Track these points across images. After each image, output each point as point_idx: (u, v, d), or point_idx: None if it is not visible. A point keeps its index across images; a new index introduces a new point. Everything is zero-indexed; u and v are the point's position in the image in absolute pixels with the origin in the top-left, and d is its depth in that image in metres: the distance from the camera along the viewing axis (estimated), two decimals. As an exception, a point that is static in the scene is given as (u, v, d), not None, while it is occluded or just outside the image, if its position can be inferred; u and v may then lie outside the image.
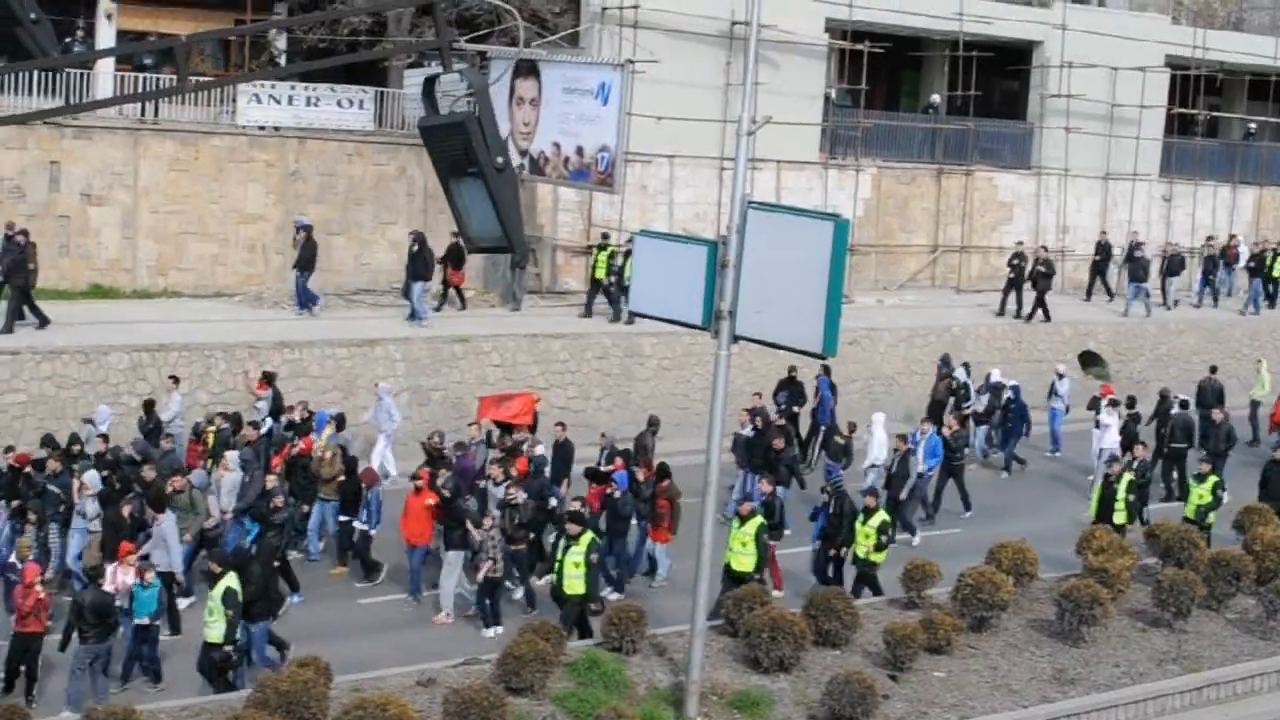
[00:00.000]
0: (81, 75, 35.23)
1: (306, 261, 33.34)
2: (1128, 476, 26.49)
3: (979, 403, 33.84)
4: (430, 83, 10.00)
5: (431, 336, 32.85)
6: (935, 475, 29.20)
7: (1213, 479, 26.80)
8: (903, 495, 27.47)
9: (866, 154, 43.10)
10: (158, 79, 35.44)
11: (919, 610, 22.10)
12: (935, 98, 46.07)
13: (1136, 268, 42.37)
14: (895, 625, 20.79)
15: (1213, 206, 50.07)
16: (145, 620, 20.16)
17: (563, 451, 26.71)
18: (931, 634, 20.82)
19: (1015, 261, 41.04)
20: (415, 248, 33.55)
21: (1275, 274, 46.16)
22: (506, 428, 27.58)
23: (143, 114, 35.27)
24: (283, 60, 40.09)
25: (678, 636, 20.37)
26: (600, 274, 35.57)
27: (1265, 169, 51.81)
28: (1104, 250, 43.62)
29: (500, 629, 22.38)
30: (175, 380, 28.57)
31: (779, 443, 27.73)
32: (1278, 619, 23.10)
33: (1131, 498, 26.32)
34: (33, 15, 10.77)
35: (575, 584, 21.12)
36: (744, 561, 22.25)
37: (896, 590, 23.04)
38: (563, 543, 21.42)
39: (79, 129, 33.88)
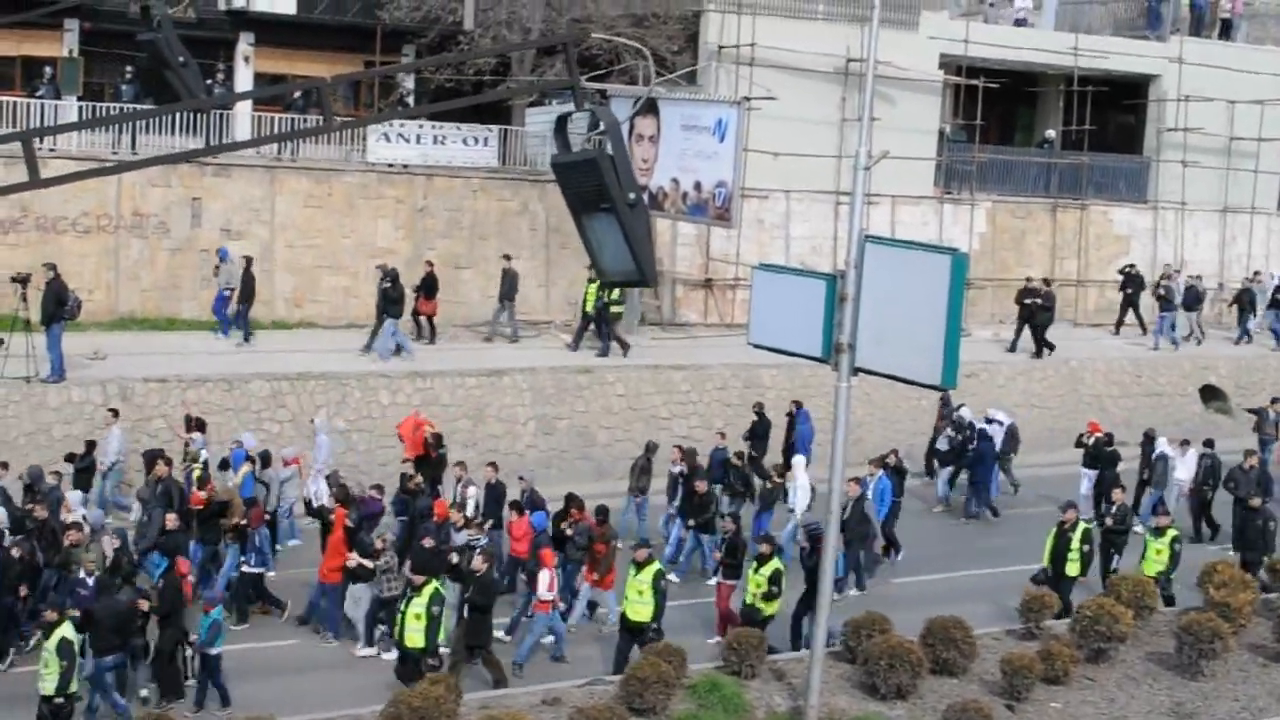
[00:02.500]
0: (222, 116, 36.58)
1: (247, 293, 33.31)
2: (1083, 525, 24.94)
3: (942, 442, 32.53)
4: (562, 120, 10.11)
5: (557, 367, 33.65)
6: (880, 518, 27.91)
7: (1171, 533, 25.11)
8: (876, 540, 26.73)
9: (981, 188, 43.47)
10: (293, 119, 36.65)
11: (1037, 640, 22.07)
12: (1050, 132, 46.29)
13: (1189, 297, 42.21)
14: (1012, 655, 20.73)
15: (1333, 238, 49.81)
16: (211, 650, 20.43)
17: (494, 493, 25.68)
18: (1049, 665, 20.67)
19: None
20: (388, 284, 33.08)
21: None
22: (419, 460, 27.36)
23: (279, 153, 36.49)
24: (411, 100, 41.21)
25: (797, 662, 20.55)
26: (589, 306, 35.02)
27: (1386, 200, 51.36)
28: (1135, 282, 42.60)
29: (373, 650, 22.47)
30: (114, 414, 27.97)
31: (701, 485, 26.57)
32: None
33: (1086, 548, 24.66)
34: (181, 59, 11.52)
35: (415, 637, 20.11)
36: (640, 611, 21.48)
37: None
38: (407, 592, 20.62)
39: (219, 167, 35.14)
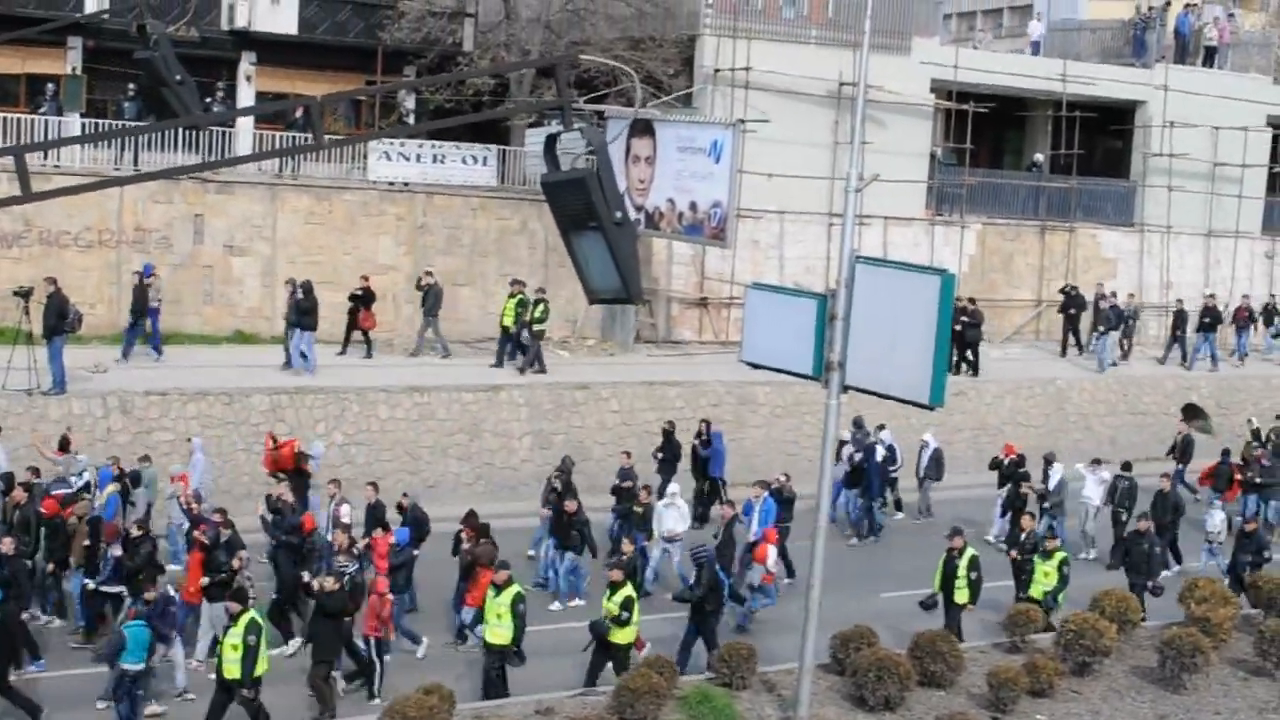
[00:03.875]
0: (223, 134, 37.12)
1: (139, 309, 32.80)
2: (970, 552, 24.02)
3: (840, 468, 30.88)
4: (551, 140, 10.25)
5: (554, 383, 34.11)
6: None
7: (1059, 555, 24.52)
8: (734, 566, 25.26)
9: (971, 211, 44.06)
10: (293, 138, 37.17)
11: (1022, 654, 22.30)
12: (1039, 156, 46.85)
13: (1103, 317, 41.71)
14: (999, 668, 20.91)
15: (1317, 263, 50.47)
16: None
17: (374, 513, 24.92)
18: (1034, 678, 20.80)
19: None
20: (300, 295, 32.62)
21: None
22: (294, 473, 26.60)
23: (280, 170, 37.00)
24: (411, 120, 41.74)
25: (786, 674, 20.67)
26: (509, 322, 34.69)
27: (1370, 227, 52.04)
28: (1076, 303, 42.38)
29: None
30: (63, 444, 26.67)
31: (570, 505, 25.68)
32: None
33: (974, 575, 23.82)
34: (178, 77, 11.89)
35: (232, 668, 19.08)
36: (499, 634, 20.78)
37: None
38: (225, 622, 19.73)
39: (221, 184, 35.66)
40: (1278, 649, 22.61)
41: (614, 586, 21.42)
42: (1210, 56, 49.48)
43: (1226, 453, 33.69)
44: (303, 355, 32.68)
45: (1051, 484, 30.30)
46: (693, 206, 35.81)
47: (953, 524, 26.31)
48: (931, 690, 20.86)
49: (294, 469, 26.70)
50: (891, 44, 40.81)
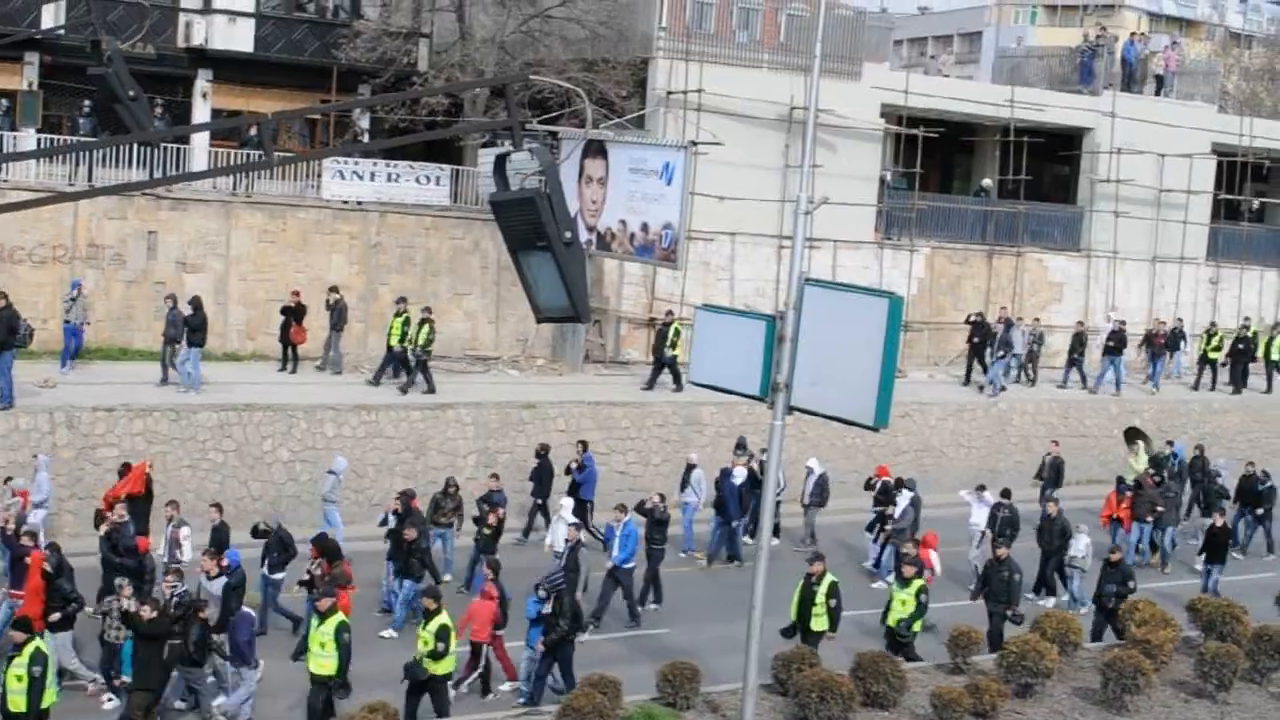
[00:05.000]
0: (178, 151, 37.17)
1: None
2: (830, 579, 23.54)
3: (690, 493, 31.44)
4: (501, 160, 10.32)
5: (501, 402, 34.23)
6: (633, 567, 26.60)
7: (917, 584, 23.90)
8: (580, 590, 24.57)
9: (920, 234, 44.45)
10: (247, 155, 37.24)
11: (965, 675, 22.53)
12: (987, 181, 47.32)
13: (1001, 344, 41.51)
14: (942, 689, 21.06)
15: (1259, 289, 51.09)
16: None
17: (218, 535, 24.45)
18: (977, 699, 20.96)
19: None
20: (190, 311, 32.18)
21: (1273, 355, 45.97)
22: (135, 498, 25.99)
23: (235, 188, 37.03)
24: (365, 139, 41.90)
25: (730, 694, 20.76)
26: (394, 341, 34.35)
27: (1312, 254, 52.84)
28: (981, 330, 41.62)
29: (113, 700, 21.36)
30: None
31: (410, 533, 25.08)
32: None
33: (833, 602, 23.33)
34: (131, 93, 11.94)
35: (17, 700, 18.11)
36: (323, 664, 20.08)
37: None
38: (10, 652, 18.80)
39: (175, 200, 35.68)
40: (1218, 671, 22.87)
41: (428, 615, 20.91)
42: (1159, 84, 50.15)
43: (1121, 481, 33.83)
44: (188, 373, 32.10)
45: (897, 511, 29.98)
46: (644, 227, 36.04)
47: (813, 550, 25.94)
48: (874, 711, 21.02)
49: (144, 491, 26.47)
50: (842, 69, 41.25)
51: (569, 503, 28.29)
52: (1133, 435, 40.04)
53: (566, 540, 25.51)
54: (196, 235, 36.03)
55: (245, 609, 21.82)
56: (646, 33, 40.41)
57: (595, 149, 37.29)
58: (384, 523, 26.19)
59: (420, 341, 34.14)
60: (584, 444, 31.61)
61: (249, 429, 31.23)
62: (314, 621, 20.28)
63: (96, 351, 33.81)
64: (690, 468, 31.68)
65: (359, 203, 37.80)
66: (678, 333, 36.56)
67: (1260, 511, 34.42)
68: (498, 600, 22.65)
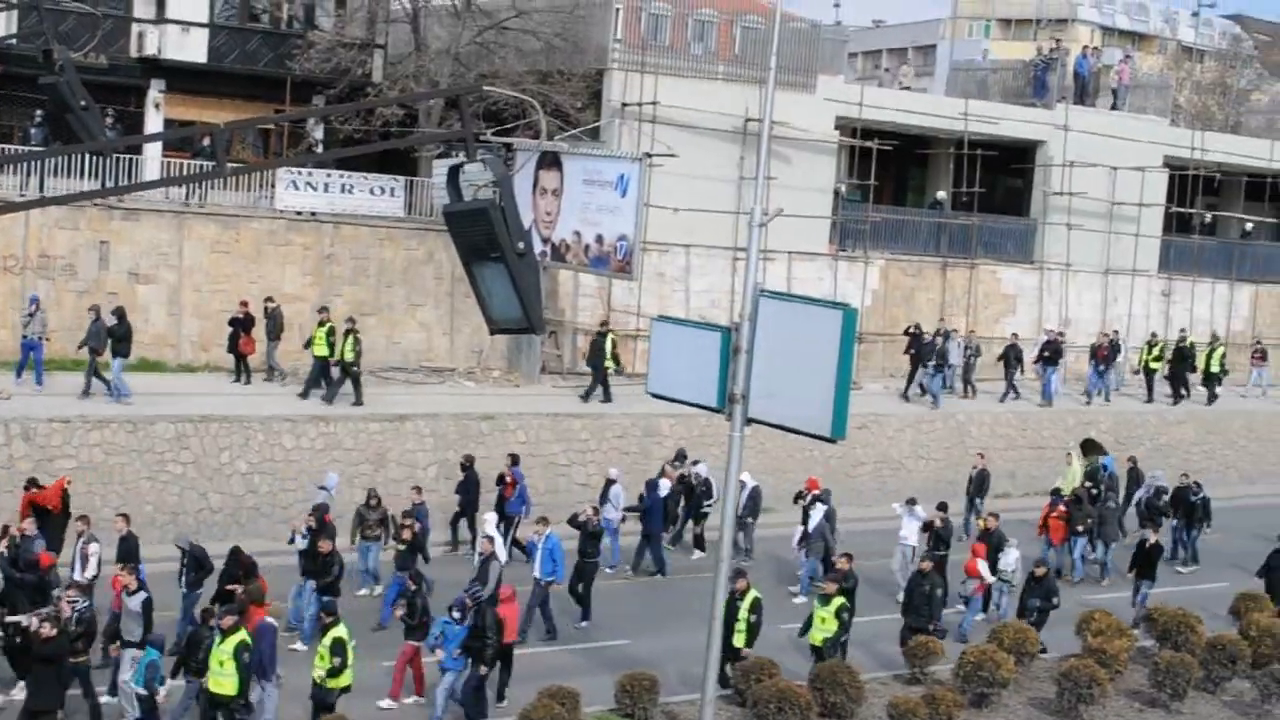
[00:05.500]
0: (130, 161, 36.95)
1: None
2: (753, 594, 23.17)
3: (611, 508, 30.47)
4: (455, 171, 10.37)
5: (459, 414, 34.19)
6: (553, 582, 25.99)
7: (837, 601, 23.50)
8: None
9: (874, 246, 44.58)
10: (201, 165, 37.02)
11: (922, 685, 22.79)
12: (942, 194, 47.48)
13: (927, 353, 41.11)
14: (898, 699, 21.31)
15: (1210, 302, 51.47)
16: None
17: (126, 545, 23.87)
18: (933, 709, 21.14)
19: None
20: (115, 321, 31.94)
21: (1213, 368, 45.90)
22: (45, 511, 25.68)
23: (188, 198, 36.82)
24: (319, 150, 41.75)
25: (689, 705, 20.97)
26: (320, 351, 33.89)
27: (1262, 266, 53.27)
28: (917, 343, 41.11)
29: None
30: None
31: (325, 545, 24.63)
32: (1272, 702, 23.73)
33: (754, 618, 22.96)
34: (83, 102, 11.91)
35: None
36: (223, 684, 19.55)
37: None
38: None
39: (127, 211, 35.47)
40: (1172, 680, 23.20)
41: (324, 629, 20.67)
42: (1121, 97, 50.51)
43: (1057, 491, 33.79)
44: (116, 386, 31.72)
45: (811, 524, 29.60)
46: (599, 239, 36.07)
47: (736, 567, 24.84)
48: (833, 721, 21.06)
49: (61, 508, 26.06)
50: (797, 81, 41.38)
51: (491, 517, 28.04)
52: (1090, 447, 40.33)
53: (479, 553, 25.30)
54: (149, 246, 35.81)
55: (268, 619, 21.47)
56: (601, 45, 40.45)
57: (550, 161, 37.29)
58: (292, 540, 25.70)
59: (345, 352, 33.74)
60: (514, 457, 31.32)
61: (206, 440, 31.08)
62: (216, 638, 19.77)
63: (49, 363, 33.51)
64: (610, 483, 30.98)
65: (313, 214, 37.64)
66: (614, 343, 36.50)
67: (1189, 522, 34.44)
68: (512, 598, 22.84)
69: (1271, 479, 44.00)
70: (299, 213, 37.54)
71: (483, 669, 21.42)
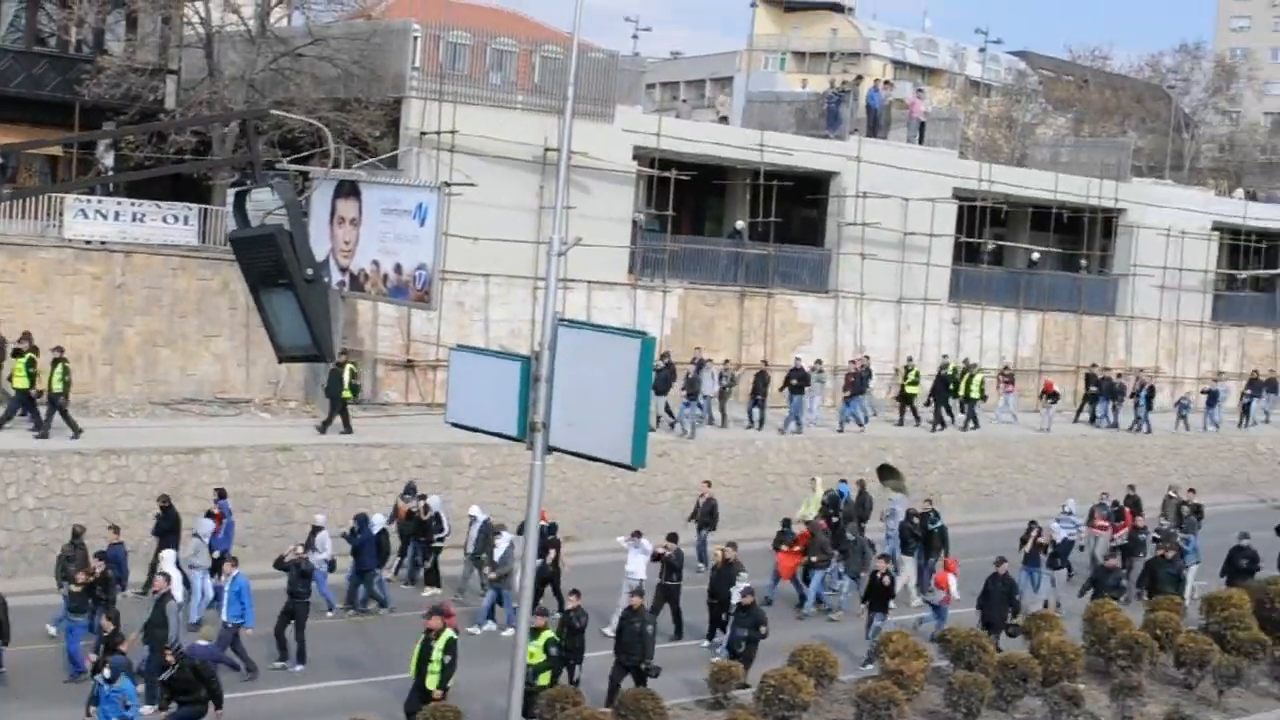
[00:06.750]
0: (-91, 187, 35.82)
1: None
2: (448, 634, 22.14)
3: (321, 548, 28.93)
4: (242, 196, 10.21)
5: (255, 445, 33.64)
6: (241, 625, 24.91)
7: (546, 635, 22.76)
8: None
9: (673, 276, 44.95)
10: (-15, 192, 36.01)
11: (724, 710, 22.84)
12: (740, 224, 48.01)
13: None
14: None
15: (999, 330, 52.87)
16: None
17: None
18: None
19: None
20: None
21: (972, 394, 46.74)
22: None
23: (-29, 227, 35.77)
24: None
25: None
26: (21, 384, 32.37)
27: (1048, 295, 54.76)
28: (668, 371, 40.36)
29: None
30: None
31: (81, 577, 24.29)
32: (1062, 719, 24.10)
33: (447, 659, 21.86)
34: None
35: None
36: None
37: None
38: None
39: (-94, 239, 34.40)
40: (966, 699, 23.57)
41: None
42: (921, 130, 51.65)
43: (787, 521, 33.22)
44: None
45: (497, 554, 28.99)
46: (398, 268, 35.79)
47: (435, 603, 24.61)
48: (635, 746, 20.99)
49: None
50: (595, 111, 41.59)
51: (169, 554, 26.79)
52: (886, 472, 41.03)
53: (154, 591, 24.34)
54: (-70, 275, 34.70)
55: (200, 641, 21.33)
56: (400, 73, 40.23)
57: (348, 189, 36.94)
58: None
59: (54, 383, 32.35)
60: (220, 491, 30.15)
61: (-17, 474, 30.12)
62: None
63: None
64: (316, 530, 29.12)
65: (103, 242, 36.73)
66: (354, 374, 36.05)
67: (927, 550, 33.51)
68: None
69: (1056, 501, 45.22)
70: (88, 241, 36.60)
71: None
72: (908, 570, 32.87)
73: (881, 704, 22.62)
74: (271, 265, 9.94)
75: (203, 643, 21.90)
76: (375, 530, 29.75)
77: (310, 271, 9.99)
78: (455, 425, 19.72)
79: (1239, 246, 60.90)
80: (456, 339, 36.01)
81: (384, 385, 39.89)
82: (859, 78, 54.80)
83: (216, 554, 28.04)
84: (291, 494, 32.59)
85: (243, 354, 38.22)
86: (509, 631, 27.24)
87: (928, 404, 46.32)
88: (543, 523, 28.81)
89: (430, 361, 39.62)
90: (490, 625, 28.66)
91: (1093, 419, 51.15)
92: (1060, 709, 24.33)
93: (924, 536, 33.43)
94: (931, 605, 29.49)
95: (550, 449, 18.14)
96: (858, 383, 44.44)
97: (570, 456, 18.77)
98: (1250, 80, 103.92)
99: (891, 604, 28.93)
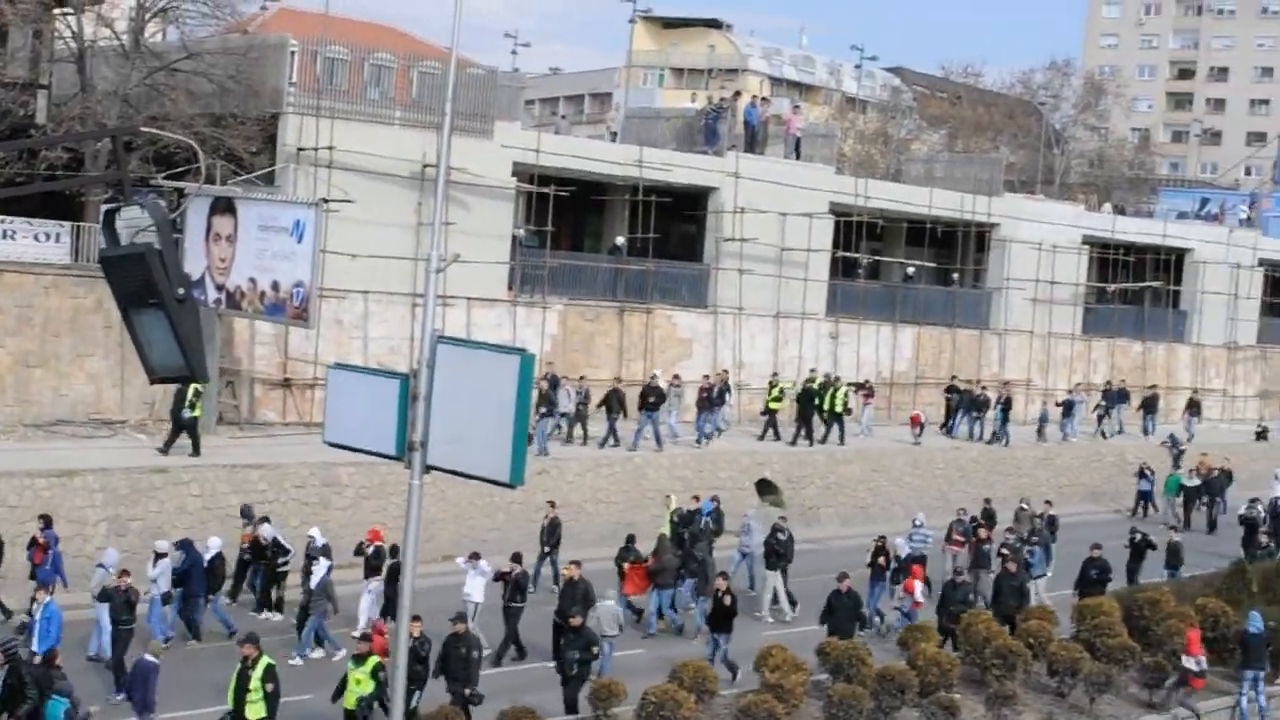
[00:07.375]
0: None
1: None
2: (265, 661, 21.79)
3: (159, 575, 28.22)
4: (111, 215, 10.07)
5: (130, 467, 33.09)
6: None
7: (373, 660, 22.61)
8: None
9: (553, 292, 45.03)
10: None
11: (605, 729, 22.87)
12: (620, 240, 48.21)
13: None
14: None
15: (875, 344, 53.44)
16: None
17: None
18: None
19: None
20: None
21: (836, 408, 46.77)
22: None
23: None
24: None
25: None
26: None
27: (923, 309, 55.54)
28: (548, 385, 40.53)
29: None
30: None
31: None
32: None
33: (269, 686, 21.55)
34: None
35: None
36: None
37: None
38: None
39: None
40: (845, 712, 23.99)
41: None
42: (797, 147, 52.06)
43: (631, 538, 32.67)
44: None
45: (314, 581, 28.41)
46: (275, 286, 35.38)
47: (247, 631, 24.09)
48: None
49: None
50: (474, 127, 41.59)
51: (113, 554, 26.64)
52: (765, 487, 41.28)
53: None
54: None
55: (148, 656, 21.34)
56: (276, 88, 39.97)
57: (223, 206, 36.50)
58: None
59: None
60: (46, 519, 29.11)
61: None
62: None
63: None
64: (159, 555, 28.33)
65: (-29, 262, 36.13)
66: (198, 394, 35.00)
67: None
68: None
69: (935, 513, 45.76)
70: (-44, 260, 36.00)
71: None
72: (773, 583, 33.37)
73: (762, 718, 22.91)
74: (142, 284, 9.84)
75: (149, 658, 21.84)
76: (210, 554, 28.90)
77: (181, 291, 9.89)
78: (333, 445, 19.57)
79: (1108, 260, 62.07)
80: (335, 357, 35.83)
81: (261, 405, 39.51)
82: (737, 94, 55.21)
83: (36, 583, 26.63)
84: (168, 516, 32.14)
85: (117, 374, 37.64)
86: (339, 655, 27.50)
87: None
88: (377, 542, 29.39)
89: (308, 380, 39.34)
90: (317, 653, 28.12)
91: (950, 430, 51.71)
92: (937, 719, 24.74)
93: (777, 553, 33.39)
94: (903, 612, 31.55)
95: (429, 468, 17.85)
96: (710, 398, 44.32)
97: (450, 475, 18.76)
98: (1118, 97, 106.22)
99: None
